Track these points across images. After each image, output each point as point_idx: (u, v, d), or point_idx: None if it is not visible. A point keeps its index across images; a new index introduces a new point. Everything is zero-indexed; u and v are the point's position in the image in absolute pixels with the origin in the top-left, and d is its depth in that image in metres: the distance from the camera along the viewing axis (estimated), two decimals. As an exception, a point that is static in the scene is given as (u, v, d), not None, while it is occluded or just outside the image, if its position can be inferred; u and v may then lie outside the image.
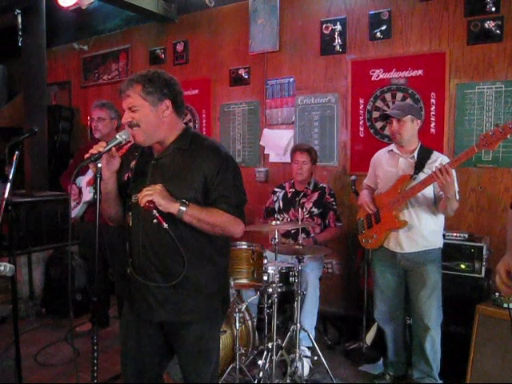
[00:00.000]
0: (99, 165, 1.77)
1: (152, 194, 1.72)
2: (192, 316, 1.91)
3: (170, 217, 1.76)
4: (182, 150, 1.89)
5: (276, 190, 3.98)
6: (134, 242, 1.94)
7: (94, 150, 1.76)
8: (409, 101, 3.82)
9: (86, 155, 1.76)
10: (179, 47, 5.23)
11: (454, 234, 3.29)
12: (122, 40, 5.77)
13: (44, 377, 3.33)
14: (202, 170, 1.84)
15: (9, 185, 2.75)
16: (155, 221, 1.76)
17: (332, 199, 3.77)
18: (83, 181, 3.73)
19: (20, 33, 5.41)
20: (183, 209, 1.75)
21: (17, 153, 2.78)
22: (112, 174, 1.86)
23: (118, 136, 1.82)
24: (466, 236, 3.28)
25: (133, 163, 1.98)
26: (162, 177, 1.86)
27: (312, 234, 3.70)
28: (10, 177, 2.75)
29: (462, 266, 3.19)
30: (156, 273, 1.88)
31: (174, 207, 1.75)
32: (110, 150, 1.78)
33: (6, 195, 2.72)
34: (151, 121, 1.83)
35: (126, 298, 2.09)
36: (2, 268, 1.79)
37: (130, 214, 1.94)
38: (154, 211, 1.74)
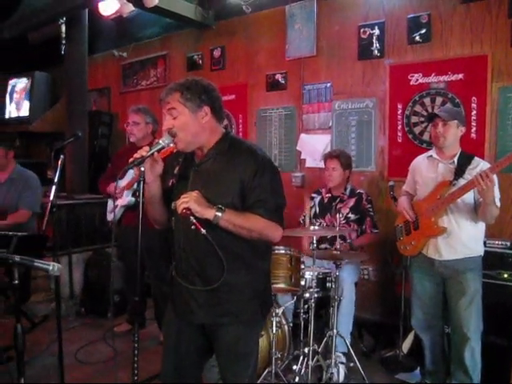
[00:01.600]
0: (142, 168, 1.81)
1: (188, 202, 1.75)
2: (231, 319, 1.93)
3: (209, 222, 1.78)
4: (220, 155, 1.91)
5: (313, 195, 3.98)
6: (176, 245, 1.99)
7: (137, 155, 1.80)
8: (449, 105, 3.75)
9: (130, 159, 1.81)
10: (216, 53, 5.29)
11: (496, 242, 3.20)
12: (160, 47, 5.88)
13: (83, 375, 3.41)
14: (238, 174, 1.85)
15: (54, 187, 2.85)
16: (193, 227, 1.79)
17: (369, 205, 3.74)
18: (121, 185, 3.80)
19: (63, 41, 5.61)
20: (219, 214, 1.77)
21: (62, 157, 2.88)
22: (156, 177, 1.89)
23: (160, 141, 1.85)
24: (509, 244, 3.19)
25: (176, 169, 2.02)
26: (201, 183, 1.89)
27: (348, 240, 3.68)
28: (55, 180, 2.86)
29: (505, 275, 3.11)
30: (196, 276, 1.92)
31: (210, 213, 1.77)
32: (152, 154, 1.82)
33: (52, 198, 2.82)
34: (191, 127, 1.86)
35: (168, 299, 2.14)
36: (51, 267, 1.85)
37: (173, 218, 1.98)
38: (192, 218, 1.76)
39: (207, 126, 1.90)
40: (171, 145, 1.90)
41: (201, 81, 1.91)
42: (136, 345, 1.87)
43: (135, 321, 1.92)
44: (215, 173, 1.90)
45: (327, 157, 3.82)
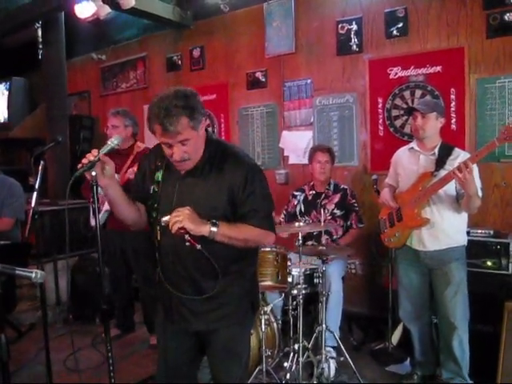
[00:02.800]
0: (93, 173, 1.74)
1: (182, 221, 1.67)
2: (223, 323, 1.94)
3: (203, 237, 1.74)
4: (207, 164, 1.85)
5: (296, 193, 3.97)
6: (163, 256, 1.95)
7: (85, 160, 1.73)
8: (428, 97, 3.78)
9: (79, 165, 1.74)
10: (196, 53, 5.27)
11: (479, 231, 3.24)
12: (139, 48, 5.84)
13: (73, 382, 3.37)
14: (228, 184, 1.82)
15: (35, 194, 2.82)
16: (188, 243, 1.75)
17: (354, 200, 3.77)
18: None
19: (40, 46, 5.52)
20: (215, 230, 1.73)
21: (42, 163, 2.85)
22: (109, 179, 1.80)
23: (109, 142, 1.82)
24: (492, 232, 3.23)
25: (158, 175, 1.94)
26: (189, 194, 1.85)
27: (334, 237, 3.69)
28: (36, 186, 2.83)
29: (489, 263, 3.14)
30: (187, 285, 1.90)
31: (205, 230, 1.72)
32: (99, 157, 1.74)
33: (33, 204, 2.79)
34: (199, 146, 1.82)
35: (156, 302, 2.12)
36: (34, 275, 1.81)
37: (158, 228, 1.90)
38: (186, 236, 1.73)
39: (203, 135, 1.86)
40: (119, 144, 1.85)
41: (194, 93, 1.78)
42: (110, 354, 1.83)
43: (106, 327, 1.88)
44: (203, 183, 1.85)
45: (318, 150, 3.81)
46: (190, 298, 1.90)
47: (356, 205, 3.77)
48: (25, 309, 4.45)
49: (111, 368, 1.83)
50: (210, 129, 2.02)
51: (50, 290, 4.60)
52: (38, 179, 2.86)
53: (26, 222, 3.51)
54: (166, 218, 1.74)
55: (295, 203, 3.92)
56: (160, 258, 1.97)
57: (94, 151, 1.75)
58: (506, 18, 3.49)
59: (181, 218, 1.68)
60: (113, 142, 1.82)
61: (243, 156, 1.92)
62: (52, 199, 5.22)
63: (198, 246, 1.76)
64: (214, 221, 1.75)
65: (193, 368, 2.13)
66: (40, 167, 2.86)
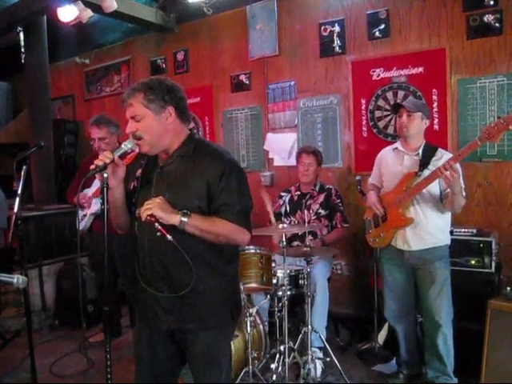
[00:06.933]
0: (105, 175, 1.77)
1: (152, 208, 1.70)
2: (199, 325, 1.90)
3: (174, 228, 1.75)
4: (185, 158, 1.87)
5: (282, 194, 3.99)
6: (140, 252, 1.95)
7: (99, 161, 1.76)
8: (411, 98, 3.81)
9: (92, 166, 1.77)
10: (179, 56, 5.27)
11: (463, 230, 3.27)
12: (122, 52, 5.83)
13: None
14: (205, 177, 1.82)
15: (18, 200, 2.79)
16: (159, 233, 1.74)
17: (339, 200, 3.78)
18: (89, 193, 3.74)
19: (22, 50, 5.48)
20: (185, 220, 1.73)
21: (24, 167, 2.82)
22: (119, 182, 1.85)
23: (123, 145, 1.82)
24: (475, 231, 3.26)
25: (139, 172, 1.98)
26: (166, 186, 1.86)
27: (319, 236, 3.70)
28: (19, 191, 2.80)
29: (472, 262, 3.17)
30: (162, 283, 1.88)
31: (176, 219, 1.73)
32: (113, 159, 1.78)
33: (16, 210, 2.76)
34: (155, 130, 1.82)
35: (136, 305, 2.11)
36: (15, 280, 1.80)
37: (136, 224, 1.93)
38: (156, 224, 1.72)
39: (171, 127, 1.85)
40: (136, 149, 1.87)
41: (165, 80, 1.86)
42: (108, 355, 1.82)
43: (105, 332, 1.88)
44: (180, 176, 1.86)
45: (303, 152, 3.82)
46: (165, 296, 1.88)
47: (341, 204, 3.78)
48: (10, 315, 4.40)
49: (108, 370, 1.82)
50: (195, 131, 2.02)
51: (36, 295, 4.56)
52: (21, 184, 2.83)
53: (9, 227, 3.48)
54: (139, 208, 1.77)
55: (281, 203, 3.94)
56: (137, 254, 1.97)
57: (108, 153, 1.78)
58: (485, 19, 3.54)
59: (151, 206, 1.71)
60: (126, 145, 1.82)
61: (223, 152, 1.92)
62: (36, 204, 5.18)
63: (169, 237, 1.73)
64: (186, 211, 1.76)
65: (173, 375, 2.08)
66: (22, 172, 2.82)
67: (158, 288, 1.89)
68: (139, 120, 1.81)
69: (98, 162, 1.76)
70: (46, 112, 5.38)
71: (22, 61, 5.42)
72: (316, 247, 3.47)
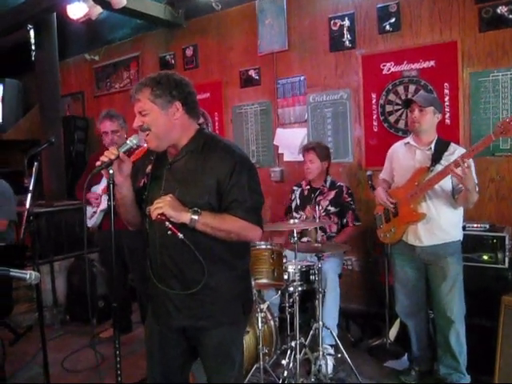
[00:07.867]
0: (111, 171, 1.76)
1: (162, 207, 1.69)
2: (211, 322, 1.88)
3: (185, 225, 1.73)
4: (195, 153, 1.85)
5: (294, 188, 3.99)
6: (151, 248, 1.94)
7: (104, 158, 1.75)
8: (423, 92, 3.78)
9: (98, 162, 1.76)
10: (189, 52, 5.26)
11: (475, 225, 3.23)
12: (131, 48, 5.82)
13: (71, 383, 3.37)
14: (215, 173, 1.79)
15: (29, 196, 2.80)
16: (169, 232, 1.73)
17: (350, 198, 3.75)
18: (98, 189, 3.74)
19: (33, 47, 5.50)
20: (195, 218, 1.72)
21: (36, 164, 2.83)
22: (125, 178, 1.83)
23: (128, 141, 1.82)
24: (487, 226, 3.22)
25: (148, 168, 1.97)
26: (176, 182, 1.84)
27: (328, 233, 3.69)
28: (31, 188, 2.81)
29: (485, 257, 3.13)
30: (174, 280, 1.87)
31: (186, 217, 1.72)
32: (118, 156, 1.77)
33: (28, 206, 2.77)
34: (162, 125, 1.81)
35: (148, 302, 2.11)
36: (28, 276, 1.81)
37: (147, 220, 1.92)
38: (167, 223, 1.71)
39: (179, 122, 1.83)
40: (144, 145, 1.86)
41: (173, 75, 1.85)
42: (118, 351, 1.82)
43: (115, 328, 1.88)
44: (190, 172, 1.84)
45: (303, 149, 3.85)
46: (176, 293, 1.87)
47: (352, 203, 3.75)
48: (22, 311, 4.44)
49: (118, 366, 1.83)
50: (204, 127, 2.01)
51: (47, 291, 4.60)
52: (32, 180, 2.84)
53: (20, 223, 3.50)
54: (149, 207, 1.76)
55: (292, 198, 3.94)
56: (149, 251, 1.96)
57: (113, 149, 1.78)
58: (498, 11, 3.48)
59: (161, 205, 1.70)
60: (132, 141, 1.82)
61: (234, 147, 1.90)
62: (47, 200, 5.21)
63: (180, 235, 1.73)
64: (196, 209, 1.74)
65: (184, 371, 2.08)
66: (34, 168, 2.83)
67: (169, 285, 1.88)
68: (146, 115, 1.81)
69: (104, 159, 1.76)
70: (56, 109, 5.41)
71: (33, 58, 5.45)
72: (326, 243, 3.46)
